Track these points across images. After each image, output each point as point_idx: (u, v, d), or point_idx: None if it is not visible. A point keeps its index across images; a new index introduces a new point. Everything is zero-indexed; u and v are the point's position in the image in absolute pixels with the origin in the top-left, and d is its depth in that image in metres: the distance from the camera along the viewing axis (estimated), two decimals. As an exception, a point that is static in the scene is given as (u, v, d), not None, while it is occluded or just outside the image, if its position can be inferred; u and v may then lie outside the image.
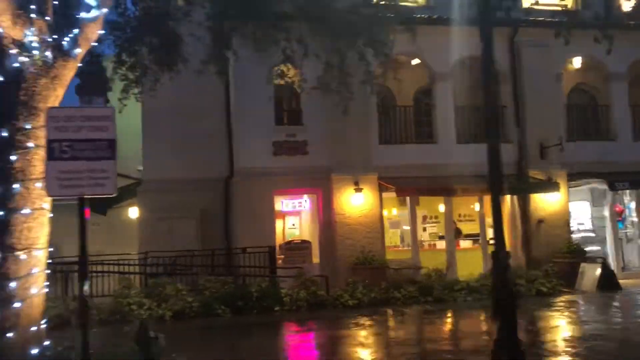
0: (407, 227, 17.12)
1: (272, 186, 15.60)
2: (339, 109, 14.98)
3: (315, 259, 15.91)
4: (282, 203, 16.35)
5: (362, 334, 10.01)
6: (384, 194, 15.92)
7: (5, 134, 5.00)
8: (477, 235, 17.18)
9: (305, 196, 16.48)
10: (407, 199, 16.10)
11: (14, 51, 5.05)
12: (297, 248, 15.84)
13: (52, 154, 4.71)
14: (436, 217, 17.71)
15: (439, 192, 15.42)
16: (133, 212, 18.97)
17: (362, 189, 15.40)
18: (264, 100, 15.62)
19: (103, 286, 13.58)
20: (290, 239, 16.35)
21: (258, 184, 15.40)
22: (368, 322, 11.02)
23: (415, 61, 16.85)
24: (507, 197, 16.63)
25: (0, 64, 5.13)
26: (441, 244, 17.22)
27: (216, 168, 17.57)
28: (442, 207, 17.33)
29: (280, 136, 15.91)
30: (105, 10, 5.67)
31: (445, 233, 16.52)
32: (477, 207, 17.38)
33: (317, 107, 15.40)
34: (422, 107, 17.50)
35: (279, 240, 16.17)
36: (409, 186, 15.20)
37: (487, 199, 16.17)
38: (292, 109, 16.51)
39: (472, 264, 15.83)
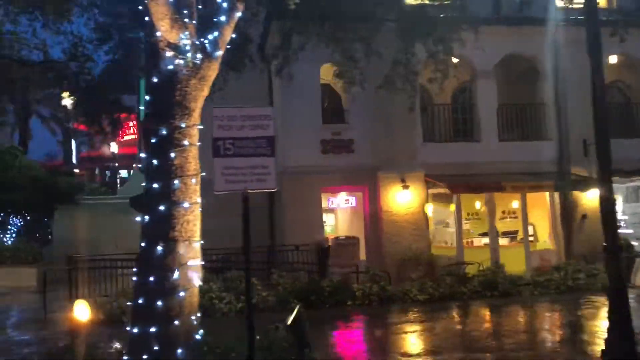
0: (438, 225, 17.40)
1: (320, 184, 15.87)
2: (384, 108, 15.41)
3: (362, 255, 16.16)
4: (328, 200, 16.59)
5: (454, 327, 10.41)
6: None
7: (164, 132, 5.23)
8: (513, 232, 17.42)
9: (347, 194, 16.74)
10: (454, 196, 16.29)
11: (169, 54, 5.28)
12: (345, 244, 16.07)
13: (217, 152, 4.96)
14: (476, 214, 17.91)
15: (491, 188, 15.66)
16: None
17: (408, 186, 15.66)
18: (311, 99, 15.95)
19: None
20: (337, 236, 16.57)
21: (307, 181, 15.66)
22: (450, 316, 11.39)
23: (455, 59, 17.11)
24: (547, 195, 16.92)
25: (156, 66, 5.37)
26: (478, 241, 17.47)
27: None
28: (478, 205, 17.62)
29: (327, 135, 16.16)
30: (239, 14, 5.90)
31: (489, 230, 16.75)
32: (515, 204, 17.59)
33: (362, 106, 15.73)
34: (463, 105, 17.78)
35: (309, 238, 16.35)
36: (459, 183, 15.42)
37: (530, 196, 16.56)
38: (337, 108, 16.76)
39: (513, 260, 16.06)
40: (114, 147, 40.01)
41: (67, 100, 25.80)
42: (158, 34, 5.25)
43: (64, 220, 22.95)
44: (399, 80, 11.34)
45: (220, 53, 5.71)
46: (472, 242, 18.08)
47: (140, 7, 5.54)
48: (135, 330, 5.05)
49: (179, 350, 4.99)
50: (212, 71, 5.62)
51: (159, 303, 4.95)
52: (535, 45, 16.41)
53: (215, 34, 5.68)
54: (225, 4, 5.71)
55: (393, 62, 11.13)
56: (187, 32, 5.35)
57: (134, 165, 25.13)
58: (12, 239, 21.16)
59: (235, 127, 4.95)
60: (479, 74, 16.92)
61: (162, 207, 5.14)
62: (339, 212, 17.47)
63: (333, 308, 11.36)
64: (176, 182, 5.20)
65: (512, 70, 17.72)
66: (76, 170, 35.07)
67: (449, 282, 12.62)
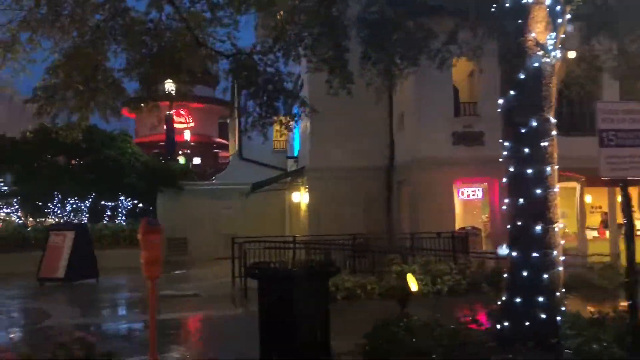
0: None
1: (452, 175, 16.41)
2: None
3: (484, 246, 16.73)
4: (457, 191, 17.14)
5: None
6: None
7: (534, 123, 5.79)
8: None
9: (474, 185, 17.26)
10: (578, 189, 16.74)
11: (538, 53, 5.83)
12: (469, 234, 16.62)
13: (602, 142, 5.50)
14: (600, 207, 18.37)
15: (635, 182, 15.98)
16: (296, 197, 19.89)
17: (538, 179, 16.13)
18: (443, 92, 16.45)
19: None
20: (463, 226, 17.12)
21: (439, 172, 16.19)
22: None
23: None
24: None
25: (522, 63, 5.91)
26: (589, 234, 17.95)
27: (378, 157, 18.54)
28: (589, 198, 18.06)
29: (459, 127, 16.67)
30: (568, 16, 6.41)
31: (610, 222, 17.20)
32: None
33: (494, 98, 16.21)
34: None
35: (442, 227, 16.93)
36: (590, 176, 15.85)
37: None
38: (468, 101, 17.25)
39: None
40: (187, 135, 40.85)
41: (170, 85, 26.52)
42: (532, 35, 5.78)
43: (166, 204, 23.76)
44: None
45: (559, 52, 6.24)
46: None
47: (492, 9, 6.04)
48: (517, 299, 5.62)
49: (558, 318, 5.57)
50: (560, 69, 6.15)
51: (545, 276, 5.52)
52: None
53: (554, 34, 6.22)
54: (558, 7, 6.24)
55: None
56: (553, 33, 5.89)
57: (231, 156, 25.78)
58: (121, 221, 21.94)
59: (616, 119, 5.49)
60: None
61: (538, 191, 5.70)
62: (461, 203, 17.98)
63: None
64: (548, 168, 5.77)
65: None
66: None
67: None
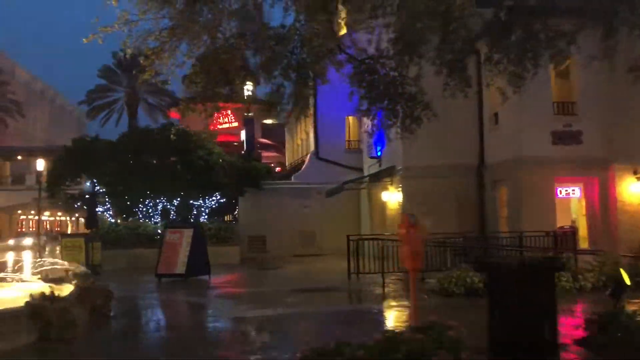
0: None
1: (552, 174, 16.61)
2: (618, 100, 16.04)
3: (582, 244, 16.88)
4: (556, 190, 17.32)
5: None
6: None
7: None
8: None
9: (571, 183, 17.43)
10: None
11: None
12: (564, 234, 16.79)
13: None
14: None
15: None
16: (384, 196, 20.26)
17: (642, 177, 16.29)
18: (542, 91, 16.62)
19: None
20: (561, 225, 17.29)
21: (538, 171, 16.41)
22: None
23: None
24: None
25: None
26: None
27: (467, 156, 18.81)
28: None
29: (558, 126, 16.87)
30: None
31: None
32: None
33: (592, 98, 16.45)
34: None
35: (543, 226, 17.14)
36: None
37: None
38: (567, 100, 17.42)
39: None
40: (243, 135, 41.36)
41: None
42: None
43: (246, 203, 24.33)
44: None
45: None
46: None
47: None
48: None
49: None
50: None
51: None
52: None
53: None
54: None
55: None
56: None
57: (309, 156, 26.24)
58: (205, 219, 22.54)
59: None
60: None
61: None
62: (561, 202, 18.14)
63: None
64: None
65: None
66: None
67: None
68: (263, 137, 54.15)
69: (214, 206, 22.69)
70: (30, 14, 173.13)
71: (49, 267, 10.13)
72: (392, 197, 19.87)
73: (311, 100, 27.60)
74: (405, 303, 10.45)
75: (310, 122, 26.34)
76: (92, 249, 18.82)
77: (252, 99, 34.47)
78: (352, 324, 8.93)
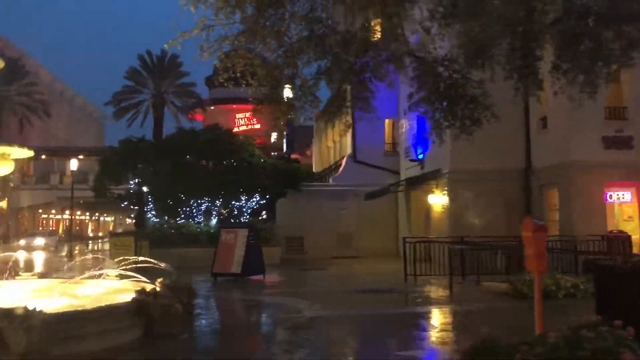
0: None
1: (603, 179, 16.67)
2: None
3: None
4: (605, 195, 17.37)
5: None
6: None
7: None
8: None
9: (620, 189, 17.46)
10: None
11: None
12: (617, 238, 16.81)
13: None
14: None
15: None
16: (432, 199, 20.36)
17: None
18: (595, 97, 16.67)
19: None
20: (610, 230, 17.32)
21: (591, 176, 16.47)
22: None
23: None
24: None
25: None
26: None
27: (514, 160, 18.90)
28: None
29: (609, 131, 16.92)
30: None
31: None
32: None
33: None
34: None
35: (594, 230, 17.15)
36: None
37: None
38: (618, 106, 17.47)
39: None
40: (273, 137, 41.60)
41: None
42: None
43: (284, 204, 24.51)
44: None
45: None
46: None
47: None
48: None
49: None
50: None
51: None
52: None
53: None
54: None
55: None
56: None
57: (346, 159, 26.42)
58: (245, 219, 22.74)
59: None
60: None
61: None
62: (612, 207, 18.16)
63: None
64: None
65: None
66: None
67: None
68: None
69: (254, 207, 22.90)
70: (50, 18, 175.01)
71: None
72: (437, 200, 19.96)
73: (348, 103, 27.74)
74: (483, 305, 10.64)
75: (340, 125, 26.50)
76: (141, 248, 19.08)
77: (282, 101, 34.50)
78: (457, 325, 9.02)
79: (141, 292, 8.21)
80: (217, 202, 21.96)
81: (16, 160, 9.18)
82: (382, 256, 23.52)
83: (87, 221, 75.01)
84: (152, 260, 9.77)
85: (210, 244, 20.85)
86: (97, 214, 75.16)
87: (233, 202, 22.14)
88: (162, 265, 10.12)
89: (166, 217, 21.95)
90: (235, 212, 22.49)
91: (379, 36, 13.25)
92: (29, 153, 9.04)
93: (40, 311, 6.53)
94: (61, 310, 7.30)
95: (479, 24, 12.02)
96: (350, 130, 25.81)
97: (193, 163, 21.28)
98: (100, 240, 58.13)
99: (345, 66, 14.06)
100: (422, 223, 22.71)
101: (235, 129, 46.19)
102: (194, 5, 11.69)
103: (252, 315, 10.48)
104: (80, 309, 7.52)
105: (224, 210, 22.06)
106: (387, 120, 26.10)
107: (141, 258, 9.58)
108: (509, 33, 11.76)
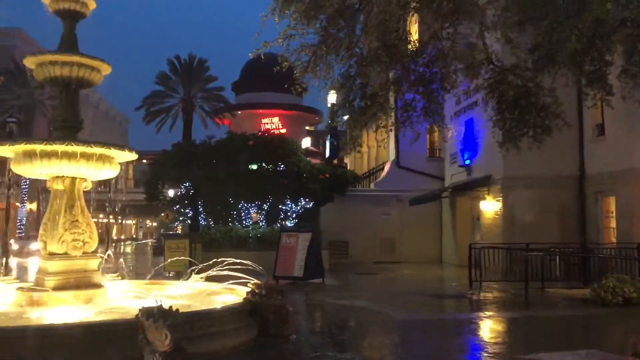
0: None
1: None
2: None
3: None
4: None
5: None
6: None
7: None
8: None
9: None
10: None
11: None
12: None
13: None
14: None
15: None
16: (483, 205, 20.39)
17: None
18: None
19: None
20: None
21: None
22: None
23: None
24: None
25: None
26: None
27: (566, 166, 18.91)
28: None
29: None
30: None
31: None
32: None
33: None
34: None
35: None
36: None
37: None
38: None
39: None
40: (306, 142, 41.75)
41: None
42: None
43: (329, 209, 24.63)
44: None
45: None
46: None
47: None
48: None
49: None
50: None
51: None
52: None
53: None
54: None
55: None
56: None
57: (389, 164, 26.51)
58: (291, 223, 22.88)
59: None
60: None
61: None
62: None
63: None
64: None
65: None
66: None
67: None
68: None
69: (299, 211, 23.05)
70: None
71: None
72: (488, 206, 19.98)
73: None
74: (570, 312, 10.70)
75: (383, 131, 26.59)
76: (195, 250, 19.27)
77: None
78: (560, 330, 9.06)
79: (253, 293, 8.36)
80: (265, 205, 22.12)
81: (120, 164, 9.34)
82: (425, 262, 23.57)
83: (112, 224, 75.56)
84: (247, 262, 9.88)
85: (258, 248, 21.03)
86: (120, 217, 75.72)
87: (280, 206, 22.31)
88: (259, 268, 10.27)
89: (211, 221, 22.11)
90: (282, 216, 22.64)
91: (451, 45, 13.46)
92: (134, 156, 9.20)
93: (178, 310, 6.69)
94: (191, 310, 7.47)
95: (549, 29, 12.16)
96: (391, 136, 25.94)
97: (244, 167, 21.46)
98: (122, 244, 58.57)
99: (414, 75, 14.27)
100: (467, 229, 22.74)
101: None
102: (278, 17, 11.98)
103: (344, 317, 10.55)
104: (207, 308, 7.70)
105: (271, 214, 22.20)
106: (431, 126, 26.13)
107: (237, 260, 9.68)
108: (577, 38, 11.87)
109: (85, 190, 9.05)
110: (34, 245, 28.08)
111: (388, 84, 13.84)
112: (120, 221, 78.33)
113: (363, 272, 20.08)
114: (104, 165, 8.86)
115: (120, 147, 9.00)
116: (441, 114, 15.63)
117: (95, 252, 9.19)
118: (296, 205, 22.63)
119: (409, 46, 13.48)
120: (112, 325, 6.77)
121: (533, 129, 13.86)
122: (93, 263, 8.92)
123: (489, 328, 9.56)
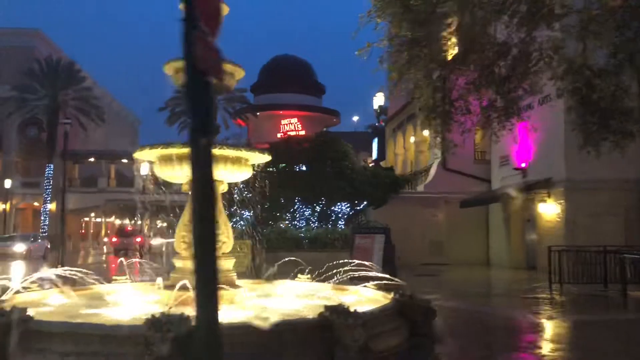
0: None
1: None
2: None
3: None
4: None
5: None
6: None
7: None
8: None
9: None
10: None
11: None
12: None
13: None
14: None
15: None
16: (543, 207, 20.52)
17: None
18: None
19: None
20: None
21: None
22: None
23: None
24: None
25: None
26: None
27: (631, 169, 18.99)
28: None
29: None
30: None
31: None
32: None
33: None
34: None
35: None
36: None
37: None
38: None
39: None
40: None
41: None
42: None
43: (378, 210, 24.74)
44: None
45: None
46: None
47: None
48: None
49: None
50: None
51: None
52: None
53: None
54: None
55: None
56: None
57: (435, 166, 26.63)
58: (341, 226, 23.02)
59: None
60: None
61: None
62: None
63: None
64: None
65: None
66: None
67: None
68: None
69: (349, 213, 23.19)
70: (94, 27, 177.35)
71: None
72: (548, 209, 20.11)
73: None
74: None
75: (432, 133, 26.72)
76: (256, 251, 19.36)
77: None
78: None
79: (401, 293, 8.47)
80: (317, 207, 22.26)
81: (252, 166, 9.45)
82: (473, 264, 23.68)
83: (127, 225, 75.61)
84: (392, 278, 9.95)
85: (311, 249, 21.12)
86: (131, 218, 75.67)
87: (332, 208, 22.44)
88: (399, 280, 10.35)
89: (268, 222, 22.21)
90: (333, 218, 22.77)
91: (538, 48, 13.56)
92: (267, 158, 9.29)
93: (360, 309, 6.80)
94: (363, 309, 7.57)
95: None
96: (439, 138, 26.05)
97: (301, 169, 21.59)
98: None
99: (497, 78, 14.36)
100: (519, 231, 22.87)
101: (279, 135, 46.38)
102: (379, 18, 12.11)
103: (456, 317, 10.64)
104: (370, 308, 7.78)
105: (323, 215, 22.33)
106: (477, 128, 26.26)
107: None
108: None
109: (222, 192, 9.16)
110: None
111: (473, 87, 13.89)
112: (134, 222, 78.24)
113: (422, 273, 20.17)
114: (239, 167, 8.98)
115: (253, 149, 9.12)
116: (521, 117, 15.71)
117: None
118: (353, 207, 22.76)
119: (495, 49, 13.59)
120: (296, 324, 6.86)
121: (614, 134, 13.95)
122: (229, 263, 9.02)
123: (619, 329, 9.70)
